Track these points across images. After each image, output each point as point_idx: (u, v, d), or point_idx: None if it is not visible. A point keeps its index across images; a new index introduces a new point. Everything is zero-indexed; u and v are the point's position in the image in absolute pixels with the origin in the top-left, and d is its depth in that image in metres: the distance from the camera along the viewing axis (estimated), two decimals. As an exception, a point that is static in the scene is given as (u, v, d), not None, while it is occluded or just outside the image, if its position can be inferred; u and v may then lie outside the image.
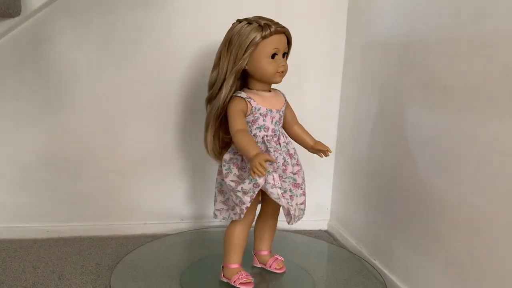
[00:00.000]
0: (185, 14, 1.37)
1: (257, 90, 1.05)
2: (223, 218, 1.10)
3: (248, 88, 1.06)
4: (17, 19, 1.24)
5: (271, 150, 1.01)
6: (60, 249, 1.34)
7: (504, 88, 0.80)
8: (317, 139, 1.12)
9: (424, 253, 1.04)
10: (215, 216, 1.11)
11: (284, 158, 1.03)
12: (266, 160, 0.90)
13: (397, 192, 1.16)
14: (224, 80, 1.02)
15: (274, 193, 1.00)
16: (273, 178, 0.99)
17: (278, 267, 1.17)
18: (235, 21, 1.04)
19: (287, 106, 1.12)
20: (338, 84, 1.51)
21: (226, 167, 1.04)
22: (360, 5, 1.40)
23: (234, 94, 1.03)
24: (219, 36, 1.04)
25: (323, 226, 1.61)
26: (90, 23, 1.33)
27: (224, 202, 1.09)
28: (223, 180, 1.07)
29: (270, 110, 1.04)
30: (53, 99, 1.35)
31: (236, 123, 1.00)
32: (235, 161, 1.04)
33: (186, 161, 1.47)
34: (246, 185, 0.98)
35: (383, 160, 1.24)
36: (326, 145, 1.10)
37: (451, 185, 0.95)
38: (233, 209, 1.08)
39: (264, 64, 1.01)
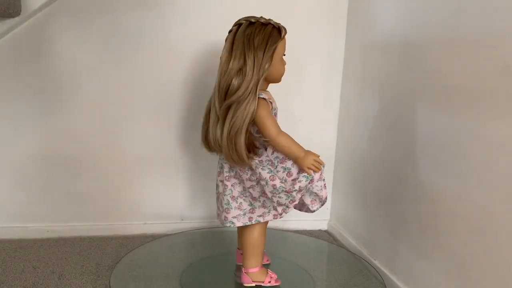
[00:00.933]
0: (186, 14, 1.37)
1: (263, 90, 1.05)
2: (243, 224, 1.07)
3: None
4: (17, 19, 1.24)
5: None
6: (60, 249, 1.34)
7: (504, 88, 0.80)
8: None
9: (424, 253, 1.04)
10: (232, 224, 1.07)
11: None
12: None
13: (397, 192, 1.16)
14: (256, 83, 0.98)
15: (319, 185, 1.03)
16: (322, 172, 1.03)
17: (267, 258, 1.22)
18: (244, 21, 1.01)
19: None
20: (338, 84, 1.51)
21: (267, 170, 1.02)
22: (360, 5, 1.40)
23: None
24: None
25: (323, 226, 1.61)
26: (90, 23, 1.33)
27: (239, 208, 1.07)
28: (233, 186, 1.06)
29: (277, 109, 1.07)
30: (53, 99, 1.35)
31: (273, 125, 1.01)
32: (268, 162, 1.03)
33: (186, 161, 1.47)
34: (303, 183, 1.00)
35: (383, 160, 1.24)
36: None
37: (451, 185, 0.95)
38: (252, 212, 1.07)
39: (279, 65, 1.03)
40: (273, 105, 1.03)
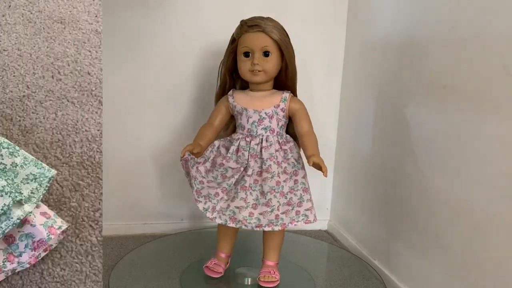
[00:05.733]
0: (186, 14, 1.37)
1: (250, 89, 1.09)
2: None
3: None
4: (17, 19, 1.23)
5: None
6: (60, 249, 1.34)
7: (504, 88, 0.80)
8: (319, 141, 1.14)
9: (424, 253, 1.04)
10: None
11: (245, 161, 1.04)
12: None
13: (397, 192, 1.16)
14: (221, 78, 1.11)
15: None
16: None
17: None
18: None
19: (295, 112, 1.08)
20: (338, 84, 1.51)
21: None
22: (360, 5, 1.40)
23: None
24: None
25: (323, 226, 1.61)
26: (90, 23, 1.33)
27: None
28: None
29: (246, 109, 1.05)
30: (53, 99, 1.35)
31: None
32: None
33: (186, 161, 1.47)
34: None
35: (383, 160, 1.24)
36: (325, 165, 0.98)
37: (451, 185, 0.95)
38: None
39: (239, 63, 1.05)
40: (229, 101, 1.08)
